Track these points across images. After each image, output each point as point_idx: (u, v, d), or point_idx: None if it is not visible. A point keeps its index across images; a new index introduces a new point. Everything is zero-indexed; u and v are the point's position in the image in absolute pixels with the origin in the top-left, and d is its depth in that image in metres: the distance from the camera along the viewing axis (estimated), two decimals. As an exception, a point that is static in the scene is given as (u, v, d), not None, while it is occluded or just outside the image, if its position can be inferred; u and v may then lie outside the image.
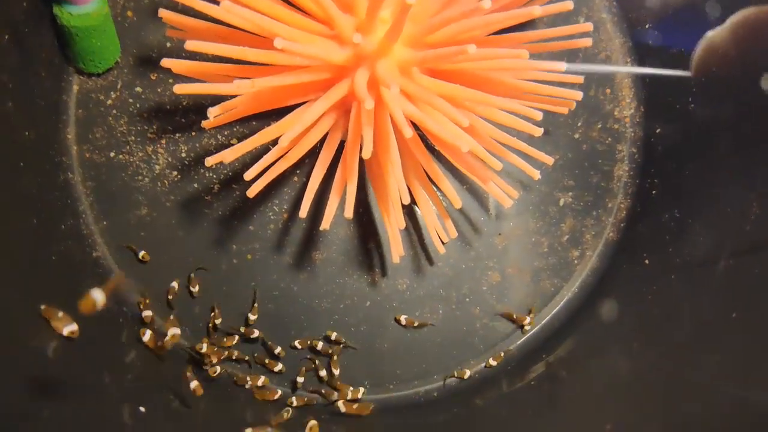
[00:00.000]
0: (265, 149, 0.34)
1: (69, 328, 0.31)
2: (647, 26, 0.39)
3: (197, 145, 0.39)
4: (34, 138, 0.36)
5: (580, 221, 0.41)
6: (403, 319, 0.39)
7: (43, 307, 0.31)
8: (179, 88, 0.33)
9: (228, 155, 0.33)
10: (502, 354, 0.40)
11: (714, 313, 0.33)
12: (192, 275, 0.39)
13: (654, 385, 0.33)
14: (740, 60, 0.35)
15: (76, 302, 0.34)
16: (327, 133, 0.36)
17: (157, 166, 0.39)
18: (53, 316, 0.31)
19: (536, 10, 0.30)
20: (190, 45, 0.31)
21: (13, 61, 0.34)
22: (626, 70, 0.40)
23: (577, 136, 0.40)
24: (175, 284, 0.39)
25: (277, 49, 0.29)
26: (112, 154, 0.39)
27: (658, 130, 0.39)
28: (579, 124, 0.40)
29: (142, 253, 0.39)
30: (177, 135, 0.39)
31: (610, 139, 0.40)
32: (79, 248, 0.38)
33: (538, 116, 0.32)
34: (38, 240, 0.35)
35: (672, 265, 0.37)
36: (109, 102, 0.39)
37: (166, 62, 0.33)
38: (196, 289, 0.39)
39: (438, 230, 0.37)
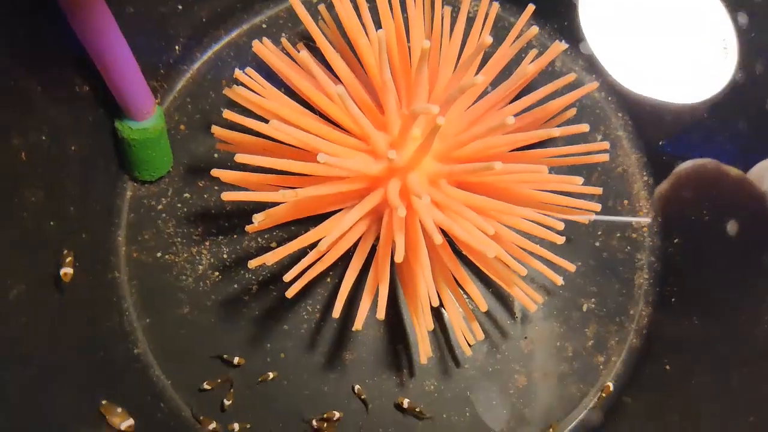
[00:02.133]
0: (302, 252, 0.36)
1: (126, 423, 0.33)
2: (660, 143, 0.42)
3: (239, 247, 0.42)
4: (88, 239, 0.39)
5: (603, 327, 0.42)
6: (405, 402, 0.40)
7: (103, 402, 0.33)
8: (227, 196, 0.36)
9: (270, 258, 0.35)
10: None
11: (732, 416, 0.33)
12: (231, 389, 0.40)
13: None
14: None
15: (117, 396, 0.36)
16: (360, 238, 0.38)
17: (200, 267, 0.41)
18: (111, 412, 0.33)
19: (555, 132, 0.33)
20: (240, 158, 0.34)
21: (75, 170, 0.37)
22: (634, 219, 0.42)
23: (597, 244, 0.42)
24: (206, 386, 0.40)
25: (318, 162, 0.33)
26: (158, 255, 0.41)
27: (675, 240, 0.41)
28: (599, 233, 0.42)
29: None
30: (220, 237, 0.42)
31: (629, 247, 0.42)
32: (122, 345, 0.40)
33: (560, 226, 0.34)
34: (86, 336, 0.37)
35: (692, 371, 0.37)
36: (160, 207, 0.42)
37: (215, 172, 0.36)
38: (230, 402, 0.40)
39: (464, 332, 0.38)
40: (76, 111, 0.36)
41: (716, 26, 0.40)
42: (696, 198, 0.40)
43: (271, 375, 0.40)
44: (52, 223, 0.34)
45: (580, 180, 0.34)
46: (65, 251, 0.35)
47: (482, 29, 0.39)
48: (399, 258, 0.33)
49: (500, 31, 0.42)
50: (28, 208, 0.32)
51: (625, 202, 0.43)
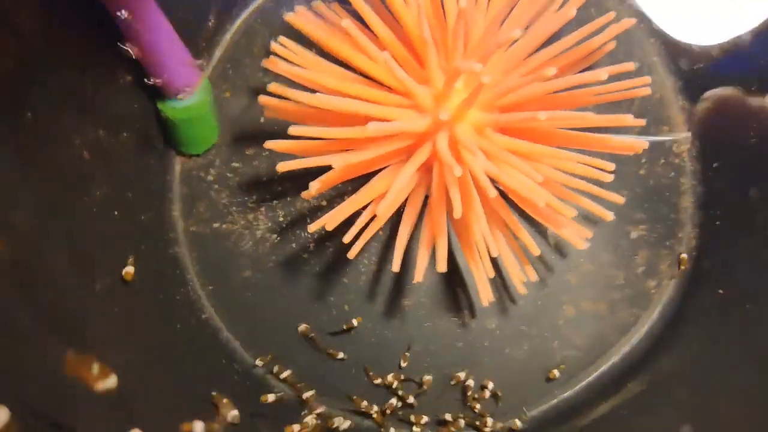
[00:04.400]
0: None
1: (232, 413, 0.35)
2: (695, 67, 0.42)
3: (293, 209, 0.43)
4: (148, 219, 0.40)
5: (653, 252, 0.43)
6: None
7: (214, 393, 0.35)
8: (282, 166, 0.37)
9: (329, 223, 0.37)
10: (580, 385, 0.43)
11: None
12: (308, 333, 0.42)
13: (734, 411, 0.35)
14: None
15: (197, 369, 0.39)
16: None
17: (258, 232, 0.43)
18: (221, 402, 0.35)
19: (602, 75, 0.33)
20: (293, 130, 0.35)
21: (129, 156, 0.38)
22: (671, 138, 0.43)
23: (642, 172, 0.43)
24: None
25: (367, 127, 0.33)
26: (215, 225, 0.43)
27: (715, 164, 0.42)
28: (643, 161, 0.43)
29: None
30: (274, 202, 0.43)
31: (673, 173, 0.43)
32: (191, 313, 0.42)
33: (611, 167, 0.34)
34: (160, 311, 0.39)
35: (746, 291, 0.39)
36: (210, 178, 0.43)
37: (268, 144, 0.37)
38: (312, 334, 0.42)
39: (518, 273, 0.40)
40: (123, 101, 0.37)
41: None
42: (726, 125, 0.40)
43: (355, 322, 0.42)
44: (116, 212, 0.36)
45: (627, 118, 0.34)
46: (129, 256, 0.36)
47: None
48: (457, 214, 0.34)
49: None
50: (96, 202, 0.34)
51: (665, 127, 0.43)
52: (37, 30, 0.30)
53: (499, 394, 0.42)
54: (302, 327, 0.42)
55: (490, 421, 0.41)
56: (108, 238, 0.35)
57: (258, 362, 0.42)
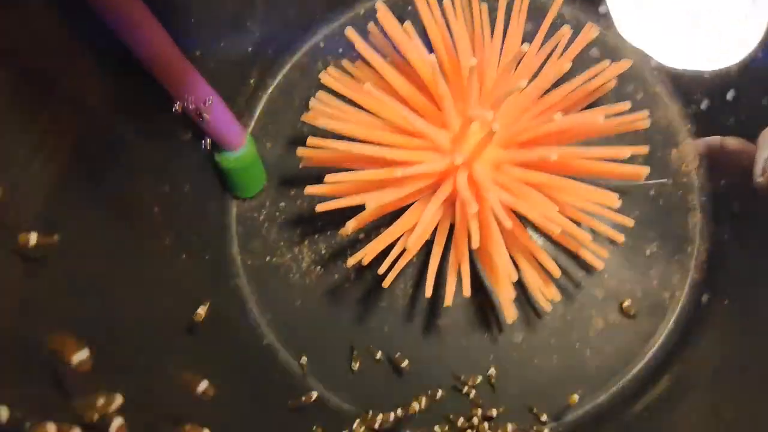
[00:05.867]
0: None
1: None
2: (696, 96, 0.45)
3: (333, 242, 0.48)
4: (210, 257, 0.46)
5: (666, 266, 0.46)
6: None
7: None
8: (321, 207, 0.42)
9: (365, 258, 0.42)
10: (614, 389, 0.46)
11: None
12: (355, 353, 0.47)
13: (747, 409, 0.38)
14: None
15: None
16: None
17: (303, 264, 0.48)
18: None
19: (599, 118, 0.37)
20: (330, 178, 0.40)
21: (191, 204, 0.44)
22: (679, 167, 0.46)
23: (652, 192, 0.47)
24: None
25: (395, 172, 0.38)
26: (267, 258, 0.48)
27: (722, 182, 0.45)
28: (652, 182, 0.47)
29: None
30: (316, 236, 0.48)
31: (681, 191, 0.46)
32: (253, 340, 0.47)
33: (616, 200, 0.39)
34: (225, 337, 0.45)
35: (755, 300, 0.42)
36: (261, 218, 0.48)
37: (309, 190, 0.42)
38: (356, 365, 0.47)
39: (542, 291, 0.44)
40: (184, 156, 0.43)
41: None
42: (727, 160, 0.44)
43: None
44: (183, 256, 0.42)
45: (627, 151, 0.38)
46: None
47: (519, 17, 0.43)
48: (475, 245, 0.38)
49: (534, 12, 0.46)
50: (166, 249, 0.40)
51: (673, 150, 0.46)
52: (109, 107, 0.37)
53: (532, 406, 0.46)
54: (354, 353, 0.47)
55: (510, 427, 0.45)
56: (178, 281, 0.40)
57: (314, 393, 0.47)
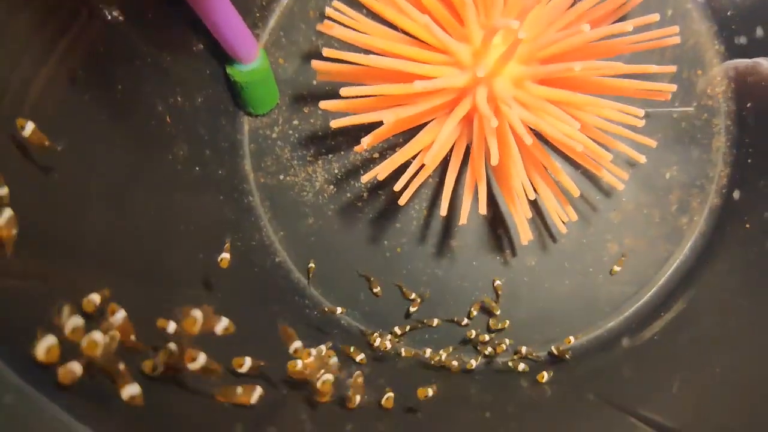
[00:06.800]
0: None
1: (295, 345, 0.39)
2: (729, 13, 0.43)
3: (346, 161, 0.47)
4: (224, 174, 0.45)
5: (685, 191, 0.46)
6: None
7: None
8: (335, 123, 0.41)
9: (381, 173, 0.41)
10: (627, 314, 0.46)
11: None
12: (372, 278, 0.47)
13: (759, 334, 0.38)
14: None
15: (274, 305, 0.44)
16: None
17: (317, 183, 0.48)
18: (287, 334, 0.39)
19: (628, 26, 0.35)
20: (345, 91, 0.39)
21: (204, 118, 0.43)
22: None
23: (675, 115, 0.45)
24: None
25: (413, 85, 0.37)
26: (281, 177, 0.48)
27: (748, 104, 0.44)
28: (676, 104, 0.45)
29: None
30: (330, 156, 0.47)
31: (705, 114, 0.45)
32: (266, 256, 0.47)
33: (640, 113, 0.37)
34: (240, 253, 0.45)
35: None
36: (274, 135, 0.48)
37: (323, 104, 0.41)
38: (378, 289, 0.47)
39: (559, 213, 0.43)
40: (196, 67, 0.42)
41: None
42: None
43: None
44: (197, 168, 0.41)
45: (653, 67, 0.37)
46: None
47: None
48: (494, 161, 0.38)
49: None
50: (180, 161, 0.39)
51: (699, 71, 0.45)
52: (122, 15, 0.35)
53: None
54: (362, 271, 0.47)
55: (524, 349, 0.45)
56: (197, 193, 0.40)
57: (326, 306, 0.47)
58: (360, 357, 0.41)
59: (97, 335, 0.23)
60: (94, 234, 0.31)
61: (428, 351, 0.45)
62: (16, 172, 0.27)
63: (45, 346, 0.21)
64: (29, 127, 0.25)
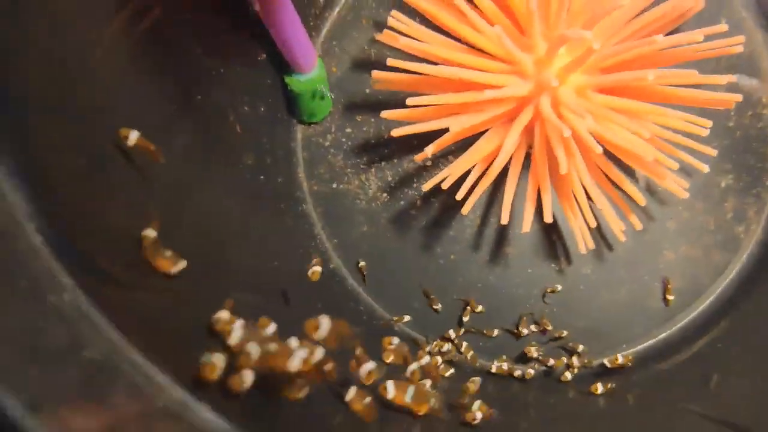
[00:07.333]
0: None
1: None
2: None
3: (400, 169, 0.48)
4: (281, 181, 0.45)
5: (741, 200, 0.46)
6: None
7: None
8: (396, 132, 0.41)
9: (445, 182, 0.41)
10: (681, 324, 0.46)
11: None
12: (432, 296, 0.47)
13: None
14: None
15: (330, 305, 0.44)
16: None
17: (370, 190, 0.48)
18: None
19: (698, 35, 0.36)
20: (412, 101, 0.39)
21: (266, 127, 0.43)
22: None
23: (731, 124, 0.45)
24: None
25: (476, 92, 0.37)
26: (334, 185, 0.48)
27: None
28: (732, 113, 0.45)
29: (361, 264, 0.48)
30: (383, 163, 0.48)
31: (761, 123, 0.45)
32: (321, 263, 0.47)
33: (708, 123, 0.37)
34: (296, 260, 0.45)
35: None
36: (327, 143, 0.48)
37: (385, 114, 0.42)
38: (438, 306, 0.47)
39: (617, 222, 0.43)
40: (260, 77, 0.42)
41: None
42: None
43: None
44: (261, 177, 0.41)
45: (724, 78, 0.37)
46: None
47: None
48: (563, 170, 0.38)
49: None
50: (248, 169, 0.39)
51: (755, 80, 0.45)
52: (195, 35, 0.36)
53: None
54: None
55: (575, 360, 0.45)
56: (258, 200, 0.40)
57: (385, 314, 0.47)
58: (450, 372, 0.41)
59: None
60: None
61: (494, 365, 0.45)
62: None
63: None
64: (134, 136, 0.26)
